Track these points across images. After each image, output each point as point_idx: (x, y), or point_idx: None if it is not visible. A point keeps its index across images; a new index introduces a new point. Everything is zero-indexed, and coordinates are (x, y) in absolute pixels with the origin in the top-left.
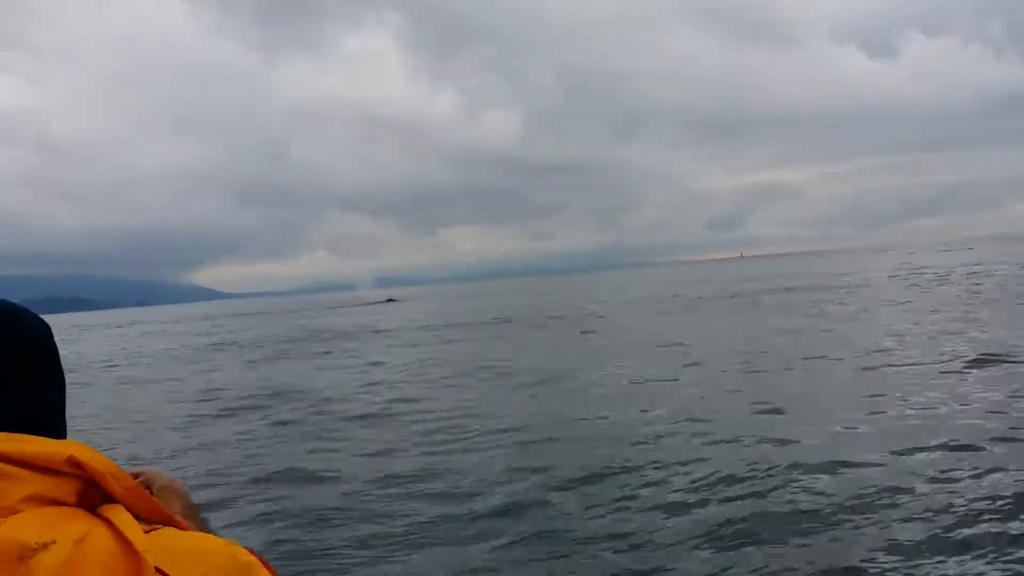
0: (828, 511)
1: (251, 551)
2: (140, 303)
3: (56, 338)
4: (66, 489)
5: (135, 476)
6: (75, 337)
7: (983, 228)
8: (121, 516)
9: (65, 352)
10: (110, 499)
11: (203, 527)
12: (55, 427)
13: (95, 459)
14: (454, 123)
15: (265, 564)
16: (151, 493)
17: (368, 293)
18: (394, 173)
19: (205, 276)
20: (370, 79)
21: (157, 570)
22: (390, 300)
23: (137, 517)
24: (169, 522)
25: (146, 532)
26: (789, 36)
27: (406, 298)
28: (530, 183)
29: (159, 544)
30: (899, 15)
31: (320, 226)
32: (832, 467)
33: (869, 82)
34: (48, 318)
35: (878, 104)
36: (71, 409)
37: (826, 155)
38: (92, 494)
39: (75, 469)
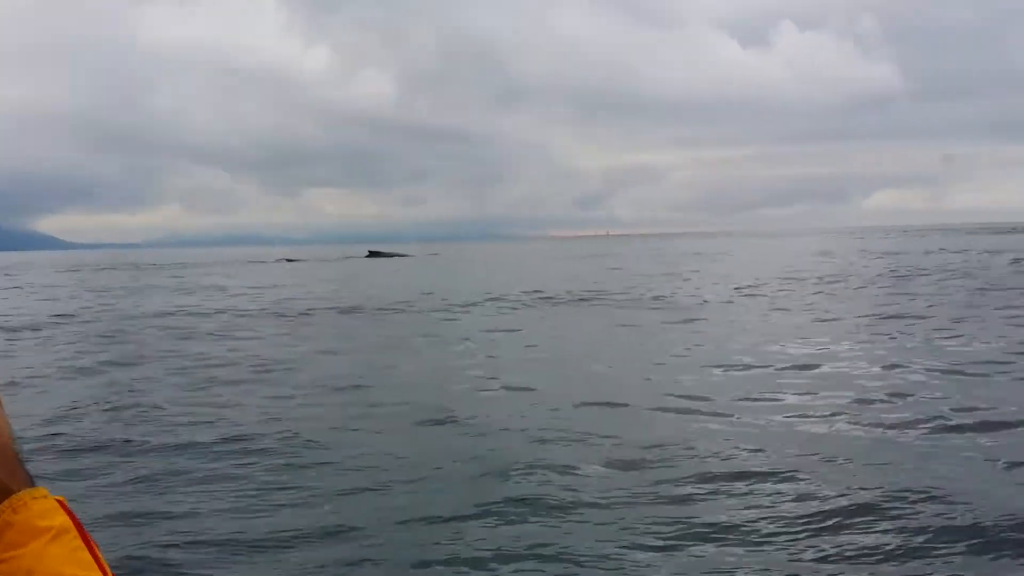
0: None
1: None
2: None
3: None
4: None
5: None
6: None
7: (831, 220)
8: None
9: None
10: None
11: (26, 478)
12: None
13: None
14: (326, 80)
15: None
16: None
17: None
18: (259, 128)
19: (49, 223)
20: (241, 29)
21: None
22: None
23: None
24: None
25: None
26: (673, 21)
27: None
28: (402, 147)
29: None
30: (775, 6)
31: (177, 178)
32: None
33: (741, 72)
34: None
35: (748, 94)
36: None
37: (695, 141)
38: None
39: None
